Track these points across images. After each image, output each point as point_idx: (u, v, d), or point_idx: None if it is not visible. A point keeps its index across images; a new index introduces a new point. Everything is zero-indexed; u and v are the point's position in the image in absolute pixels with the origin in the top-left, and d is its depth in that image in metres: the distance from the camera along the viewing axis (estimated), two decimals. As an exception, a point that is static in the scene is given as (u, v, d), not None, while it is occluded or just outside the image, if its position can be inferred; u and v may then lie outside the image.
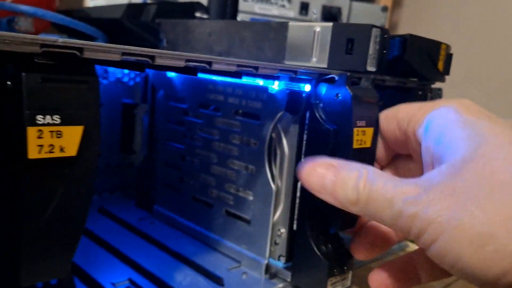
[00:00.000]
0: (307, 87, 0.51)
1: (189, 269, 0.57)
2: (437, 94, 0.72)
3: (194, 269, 0.57)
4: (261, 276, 0.57)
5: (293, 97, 0.52)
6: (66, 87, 0.32)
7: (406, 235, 0.37)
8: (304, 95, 0.52)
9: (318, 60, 0.52)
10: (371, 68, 0.53)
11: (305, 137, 0.53)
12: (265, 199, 0.56)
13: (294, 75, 0.49)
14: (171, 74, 0.69)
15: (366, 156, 0.50)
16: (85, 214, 0.35)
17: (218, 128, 0.62)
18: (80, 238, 0.36)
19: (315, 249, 0.53)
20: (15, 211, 0.32)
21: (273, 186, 0.55)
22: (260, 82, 0.55)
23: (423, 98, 0.72)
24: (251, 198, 0.58)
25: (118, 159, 0.83)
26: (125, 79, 0.80)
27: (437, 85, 0.72)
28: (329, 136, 0.49)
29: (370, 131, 0.50)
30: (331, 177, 0.40)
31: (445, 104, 0.43)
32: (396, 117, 0.48)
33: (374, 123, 0.50)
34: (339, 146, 0.49)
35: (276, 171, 0.56)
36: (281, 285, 0.55)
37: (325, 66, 0.52)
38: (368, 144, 0.50)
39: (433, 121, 0.42)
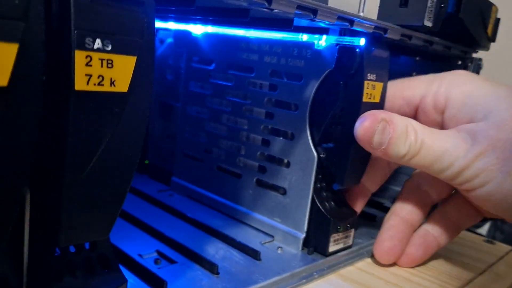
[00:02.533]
0: (362, 41, 0.46)
1: (220, 242, 0.52)
2: (477, 65, 0.68)
3: (226, 242, 0.52)
4: (297, 252, 0.52)
5: (346, 52, 0.47)
6: (119, 8, 0.27)
7: (449, 181, 0.46)
8: (358, 50, 0.46)
9: (367, 11, 0.47)
10: (428, 23, 0.48)
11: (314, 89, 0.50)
12: (306, 167, 0.51)
13: (349, 26, 0.44)
14: (196, 34, 0.63)
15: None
16: (135, 164, 0.30)
17: (250, 91, 0.57)
18: (127, 194, 0.30)
19: (319, 205, 0.51)
20: (58, 157, 0.27)
21: (315, 153, 0.50)
22: (304, 37, 0.50)
23: (463, 67, 0.67)
24: (288, 166, 0.53)
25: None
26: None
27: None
28: (339, 87, 0.48)
29: (379, 86, 0.48)
30: (388, 133, 0.45)
31: (454, 74, 0.50)
32: (403, 95, 0.52)
33: (384, 79, 0.48)
34: (348, 99, 0.48)
35: (317, 136, 0.51)
36: (321, 261, 0.50)
37: (374, 18, 0.47)
38: (377, 99, 0.48)
39: (455, 89, 0.48)
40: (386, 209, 0.71)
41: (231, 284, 0.43)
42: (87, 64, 0.25)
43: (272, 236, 0.55)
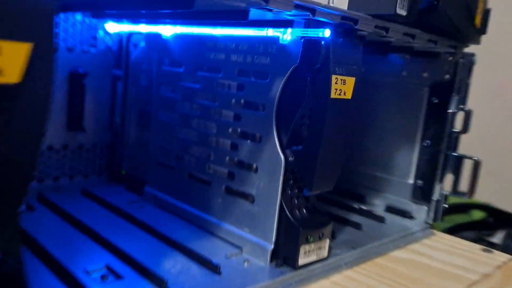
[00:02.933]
0: (327, 32, 0.42)
1: (180, 255, 0.48)
2: (469, 61, 0.63)
3: (187, 255, 0.48)
4: (266, 264, 0.47)
5: (310, 45, 0.43)
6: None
7: None
8: (323, 42, 0.43)
9: (337, 1, 0.43)
10: (401, 11, 0.44)
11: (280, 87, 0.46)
12: (273, 171, 0.47)
13: (311, 16, 0.40)
14: (165, 36, 0.60)
15: (345, 109, 0.45)
16: (32, 166, 0.26)
17: (218, 93, 0.53)
18: (25, 197, 0.26)
19: (288, 213, 0.46)
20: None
21: (282, 156, 0.46)
22: (270, 31, 0.47)
23: (453, 65, 0.63)
24: (256, 171, 0.49)
25: (108, 137, 0.74)
26: (115, 48, 0.71)
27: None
28: (306, 84, 0.44)
29: (351, 81, 0.44)
30: None
31: None
32: None
33: (357, 73, 0.45)
34: (315, 96, 0.44)
35: (285, 138, 0.47)
36: (290, 274, 0.46)
37: (344, 8, 0.43)
38: (348, 95, 0.44)
39: None
40: (374, 217, 0.66)
41: (182, 301, 0.39)
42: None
43: (240, 248, 0.51)
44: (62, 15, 0.66)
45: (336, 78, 0.43)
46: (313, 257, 0.48)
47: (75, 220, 0.54)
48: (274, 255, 0.48)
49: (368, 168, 0.75)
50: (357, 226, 0.62)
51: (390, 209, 0.71)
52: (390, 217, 0.69)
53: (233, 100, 0.52)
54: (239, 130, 0.52)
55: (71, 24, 0.67)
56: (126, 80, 0.70)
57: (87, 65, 0.69)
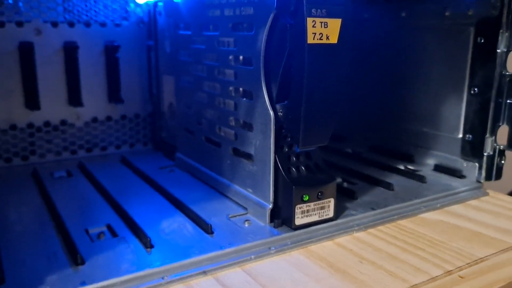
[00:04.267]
0: (295, -30, 0.38)
1: (181, 216, 0.48)
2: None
3: (188, 216, 0.48)
4: (265, 225, 0.46)
5: (282, -13, 0.40)
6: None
7: None
8: (294, -18, 0.39)
9: None
10: None
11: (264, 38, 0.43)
12: (265, 128, 0.45)
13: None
14: (177, 0, 0.60)
15: (330, 55, 0.40)
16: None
17: (219, 52, 0.52)
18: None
19: (282, 171, 0.44)
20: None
21: (271, 112, 0.44)
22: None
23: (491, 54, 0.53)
24: (251, 130, 0.47)
25: (150, 108, 0.76)
26: (146, 18, 0.73)
27: None
28: (286, 32, 0.40)
29: (335, 23, 0.39)
30: None
31: None
32: None
33: (343, 14, 0.40)
34: (293, 43, 0.40)
35: (275, 93, 0.44)
36: (286, 235, 0.44)
37: None
38: (333, 39, 0.40)
39: None
40: (414, 177, 0.61)
41: (161, 258, 0.39)
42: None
43: (245, 209, 0.50)
44: (91, -8, 0.68)
45: (314, 20, 0.39)
46: (314, 217, 0.45)
47: (99, 185, 0.57)
48: (275, 215, 0.46)
49: (413, 124, 0.68)
50: (387, 186, 0.57)
51: (439, 168, 0.64)
52: (436, 177, 0.62)
53: (231, 57, 0.50)
54: (238, 88, 0.50)
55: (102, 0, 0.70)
56: (156, 49, 0.71)
57: (121, 38, 0.71)
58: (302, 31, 0.39)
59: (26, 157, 0.68)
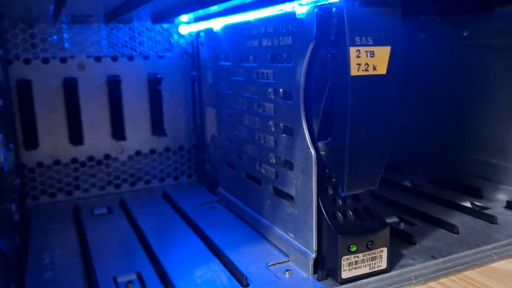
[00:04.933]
0: (335, -5, 0.34)
1: (216, 263, 0.45)
2: None
3: (223, 264, 0.44)
4: (308, 276, 0.41)
5: (322, 15, 0.36)
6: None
7: None
8: (334, 9, 0.35)
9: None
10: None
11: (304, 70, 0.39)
12: (306, 168, 0.40)
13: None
14: (216, 30, 0.57)
15: (377, 88, 0.35)
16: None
17: (258, 84, 0.48)
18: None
19: (326, 217, 0.39)
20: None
21: (312, 151, 0.39)
22: (287, 6, 0.40)
23: None
24: (292, 169, 0.43)
25: (194, 139, 0.74)
26: (189, 49, 0.71)
27: None
28: (328, 63, 0.36)
29: (384, 51, 0.35)
30: None
31: None
32: None
33: (391, 41, 0.35)
34: (336, 75, 0.36)
35: (316, 129, 0.40)
36: (332, 290, 0.39)
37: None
38: (382, 70, 0.35)
39: None
40: (483, 216, 0.53)
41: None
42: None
43: (287, 256, 0.45)
44: (139, 24, 0.68)
45: (358, 50, 0.34)
46: (364, 270, 0.40)
47: (136, 225, 0.54)
48: (319, 266, 0.41)
49: (480, 155, 0.61)
50: (451, 228, 0.50)
51: (513, 206, 0.56)
52: (509, 216, 0.54)
53: (270, 90, 0.46)
54: (278, 123, 0.46)
55: (147, 31, 0.69)
56: (199, 80, 0.69)
57: (164, 70, 0.70)
58: (345, 62, 0.34)
59: (70, 192, 0.67)
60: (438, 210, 0.56)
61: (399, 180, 0.69)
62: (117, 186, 0.70)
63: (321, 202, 0.40)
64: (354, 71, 0.34)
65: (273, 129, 0.46)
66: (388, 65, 0.35)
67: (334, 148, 0.38)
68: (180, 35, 0.71)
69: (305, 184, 0.41)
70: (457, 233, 0.50)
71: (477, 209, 0.56)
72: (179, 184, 0.73)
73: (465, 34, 0.61)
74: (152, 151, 0.72)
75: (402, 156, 0.73)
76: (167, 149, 0.73)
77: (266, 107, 0.47)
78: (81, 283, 0.41)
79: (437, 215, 0.54)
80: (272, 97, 0.46)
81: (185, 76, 0.72)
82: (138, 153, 0.71)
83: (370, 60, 0.35)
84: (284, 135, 0.44)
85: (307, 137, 0.40)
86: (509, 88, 0.56)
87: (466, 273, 0.43)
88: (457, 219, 0.53)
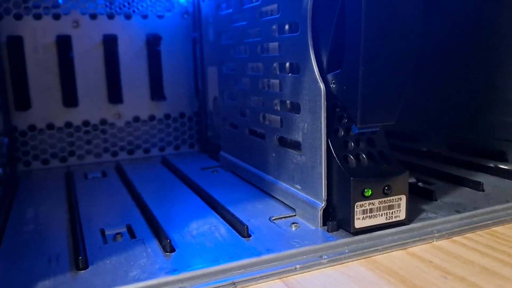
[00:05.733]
0: None
1: (215, 217, 0.40)
2: None
3: (223, 217, 0.40)
4: (316, 228, 0.36)
5: None
6: None
7: None
8: None
9: None
10: None
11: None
12: (314, 106, 0.36)
13: None
14: (218, -24, 0.53)
15: (395, 8, 0.31)
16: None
17: (260, 24, 0.44)
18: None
19: (337, 160, 0.34)
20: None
21: (321, 84, 0.35)
22: None
23: None
24: (298, 110, 0.39)
25: (196, 105, 0.70)
26: (190, 9, 0.67)
27: None
28: None
29: None
30: None
31: None
32: None
33: None
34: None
35: (325, 62, 0.35)
36: (341, 241, 0.34)
37: None
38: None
39: None
40: (509, 176, 0.48)
41: (174, 265, 0.31)
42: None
43: (293, 210, 0.40)
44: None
45: (374, -44, 0.30)
46: (379, 219, 0.35)
47: (131, 186, 0.50)
48: (329, 217, 0.37)
49: (504, 115, 0.56)
50: (476, 186, 0.46)
51: (541, 167, 0.51)
52: (539, 177, 0.49)
53: (274, 27, 0.42)
54: (283, 63, 0.41)
55: (144, -10, 0.65)
56: (201, 41, 0.65)
57: (164, 31, 0.66)
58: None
59: (64, 159, 0.64)
60: (460, 171, 0.52)
61: (416, 148, 0.64)
62: (114, 154, 0.66)
63: (331, 144, 0.35)
64: (370, -18, 0.30)
65: (278, 72, 0.42)
66: (408, -22, 0.31)
67: (345, 79, 0.33)
68: (179, -7, 0.67)
69: (314, 125, 0.36)
70: (483, 190, 0.45)
71: (503, 170, 0.51)
72: (180, 154, 0.69)
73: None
74: (151, 118, 0.68)
75: (418, 125, 0.68)
76: (167, 116, 0.69)
77: (270, 48, 0.43)
78: (65, 235, 0.37)
79: (459, 175, 0.49)
80: (277, 35, 0.41)
81: (186, 37, 0.68)
82: (136, 119, 0.67)
83: (387, -30, 0.30)
84: (290, 74, 0.39)
85: (315, 70, 0.35)
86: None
87: (495, 228, 0.39)
88: (481, 178, 0.49)
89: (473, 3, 0.58)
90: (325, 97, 0.35)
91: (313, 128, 0.36)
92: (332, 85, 0.35)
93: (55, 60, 0.61)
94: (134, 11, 0.64)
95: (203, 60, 0.65)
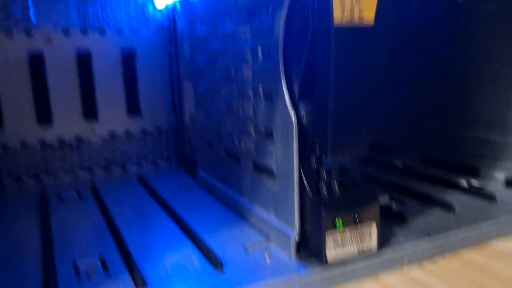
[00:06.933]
0: None
1: (189, 247, 0.40)
2: None
3: (197, 246, 0.40)
4: (289, 258, 0.37)
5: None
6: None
7: None
8: None
9: None
10: None
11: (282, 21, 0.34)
12: (286, 135, 0.36)
13: None
14: (193, -5, 0.53)
15: (365, 38, 0.31)
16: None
17: (234, 48, 0.44)
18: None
19: (308, 189, 0.35)
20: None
21: (292, 112, 0.35)
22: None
23: None
24: (273, 138, 0.39)
25: (173, 120, 0.70)
26: (166, 24, 0.67)
27: None
28: (308, 11, 0.32)
29: None
30: None
31: None
32: None
33: None
34: (318, 24, 0.32)
35: (297, 88, 0.35)
36: (313, 270, 0.34)
37: None
38: (369, 16, 0.31)
39: None
40: (481, 195, 0.49)
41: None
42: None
43: (267, 236, 0.41)
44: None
45: (342, -7, 0.30)
46: (351, 249, 0.36)
47: (106, 210, 0.50)
48: (302, 244, 0.37)
49: (477, 131, 0.57)
50: (447, 207, 0.46)
51: (512, 183, 0.52)
52: (509, 194, 0.50)
53: (247, 51, 0.42)
54: (256, 88, 0.41)
55: (118, 5, 0.64)
56: (177, 56, 0.65)
57: (139, 46, 0.65)
58: (327, 4, 0.30)
59: (39, 177, 0.63)
60: (432, 189, 0.52)
61: (390, 162, 0.65)
62: (90, 169, 0.65)
63: (304, 173, 0.35)
64: (337, 14, 0.30)
65: (251, 96, 0.42)
66: (375, 13, 0.31)
67: (316, 109, 0.34)
68: (155, 9, 0.66)
69: (286, 153, 0.36)
70: (453, 211, 0.46)
71: (474, 188, 0.52)
72: (157, 169, 0.69)
73: (460, 0, 0.57)
74: (127, 133, 0.67)
75: (393, 137, 0.69)
76: (143, 131, 0.68)
77: (244, 72, 0.43)
78: (37, 266, 0.37)
79: (430, 193, 0.50)
80: (250, 59, 0.41)
81: (162, 52, 0.67)
82: (112, 134, 0.66)
83: (355, 2, 0.31)
84: (263, 100, 0.40)
85: (286, 98, 0.35)
86: (508, 58, 0.52)
87: (464, 252, 0.39)
88: (453, 197, 0.49)
89: (444, 21, 0.59)
90: (296, 128, 0.35)
91: (285, 156, 0.37)
92: (303, 114, 0.35)
93: (28, 76, 0.60)
94: (108, 25, 0.63)
95: (180, 75, 0.65)
